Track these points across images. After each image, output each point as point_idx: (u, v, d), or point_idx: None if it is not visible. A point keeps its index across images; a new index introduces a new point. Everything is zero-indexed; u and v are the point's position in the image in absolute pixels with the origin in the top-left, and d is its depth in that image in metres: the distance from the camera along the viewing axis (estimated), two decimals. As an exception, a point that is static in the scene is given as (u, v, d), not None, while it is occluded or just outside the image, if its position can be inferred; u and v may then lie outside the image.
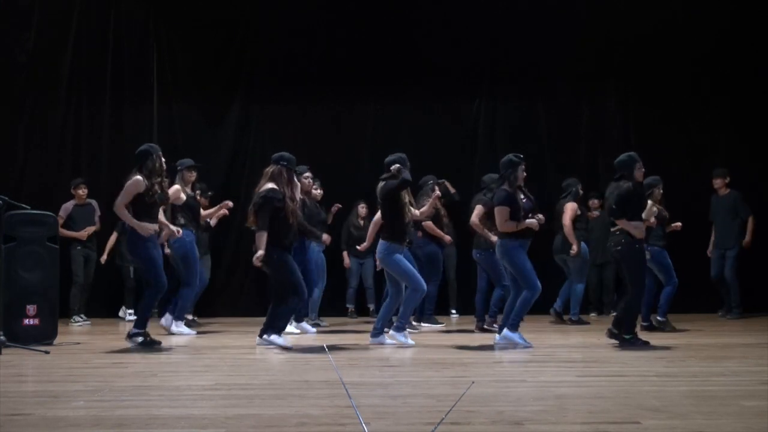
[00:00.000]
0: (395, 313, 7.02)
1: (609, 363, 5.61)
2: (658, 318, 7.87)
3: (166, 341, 6.89)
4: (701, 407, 3.75)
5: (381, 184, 6.79)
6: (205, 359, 6.05)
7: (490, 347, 6.61)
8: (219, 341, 7.31)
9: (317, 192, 8.48)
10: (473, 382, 4.41)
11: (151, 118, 10.83)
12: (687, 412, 3.62)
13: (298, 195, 6.72)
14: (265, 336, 6.53)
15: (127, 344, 6.50)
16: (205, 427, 3.41)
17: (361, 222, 10.08)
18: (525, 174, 6.74)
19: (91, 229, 9.54)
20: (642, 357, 5.89)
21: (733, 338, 7.19)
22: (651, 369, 5.21)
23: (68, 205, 9.52)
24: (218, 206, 8.44)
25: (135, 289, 9.99)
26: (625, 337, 6.46)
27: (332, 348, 6.48)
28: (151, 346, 6.50)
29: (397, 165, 6.64)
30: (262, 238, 6.32)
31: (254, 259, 6.33)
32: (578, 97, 11.03)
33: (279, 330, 6.59)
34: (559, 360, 5.79)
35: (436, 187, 8.01)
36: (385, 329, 6.89)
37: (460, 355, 6.12)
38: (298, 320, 8.08)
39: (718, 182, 9.58)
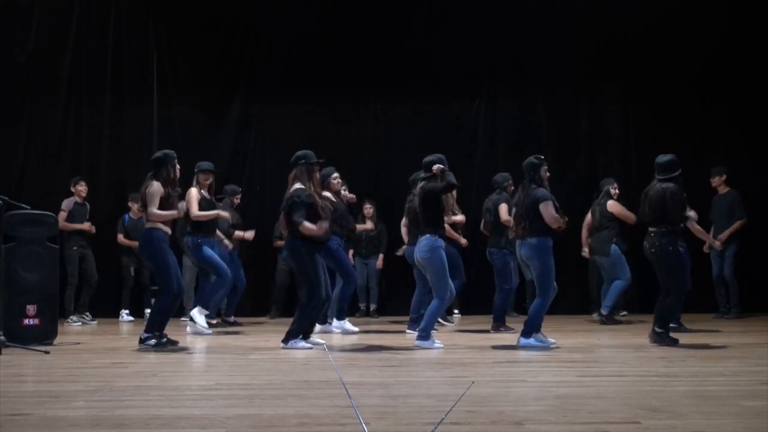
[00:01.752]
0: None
1: (609, 363, 5.61)
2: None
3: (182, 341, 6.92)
4: (701, 407, 3.75)
5: (421, 184, 6.74)
6: (205, 359, 6.05)
7: (490, 347, 6.62)
8: (219, 341, 7.31)
9: (345, 194, 8.52)
10: (473, 382, 4.41)
11: (151, 118, 10.83)
12: (687, 412, 3.62)
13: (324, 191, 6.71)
14: (289, 342, 6.51)
15: (140, 348, 6.46)
16: (205, 427, 3.41)
17: (367, 222, 10.10)
18: (548, 174, 6.75)
19: (93, 229, 9.54)
20: (642, 357, 5.89)
21: (733, 338, 7.18)
22: (651, 369, 5.21)
23: (70, 202, 9.52)
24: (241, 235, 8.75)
25: (134, 289, 10.03)
26: (656, 329, 6.51)
27: (332, 348, 6.48)
28: (165, 346, 6.51)
29: (440, 166, 6.59)
30: (308, 226, 6.33)
31: (319, 229, 6.36)
32: (578, 97, 11.03)
33: (300, 333, 6.57)
34: (559, 360, 5.78)
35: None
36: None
37: (460, 355, 6.12)
38: (325, 321, 8.16)
39: (715, 180, 9.58)
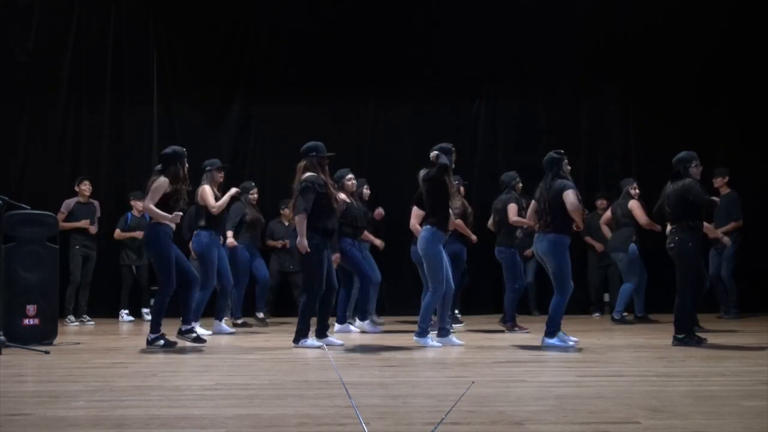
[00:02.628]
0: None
1: (609, 363, 5.61)
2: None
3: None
4: (701, 407, 3.75)
5: (422, 171, 6.71)
6: (205, 359, 6.04)
7: (490, 347, 6.61)
8: (219, 341, 7.31)
9: (366, 192, 8.48)
10: (473, 382, 4.41)
11: (151, 118, 10.84)
12: (687, 412, 3.62)
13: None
14: (300, 342, 6.54)
15: (148, 349, 6.45)
16: (205, 427, 3.41)
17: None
18: (570, 167, 6.68)
19: (93, 229, 9.54)
20: (642, 357, 5.89)
21: (733, 338, 7.19)
22: (651, 369, 5.21)
23: (70, 202, 9.54)
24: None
25: (134, 289, 10.03)
26: (677, 336, 6.49)
27: (332, 348, 6.48)
28: (173, 345, 6.52)
29: (435, 152, 6.56)
30: (303, 222, 6.31)
31: (298, 245, 6.31)
32: (578, 97, 11.03)
33: (308, 331, 6.57)
34: (559, 360, 5.78)
35: (462, 188, 7.98)
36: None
37: (460, 355, 6.12)
38: (342, 321, 8.16)
39: (718, 181, 9.57)
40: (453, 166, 6.66)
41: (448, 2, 10.93)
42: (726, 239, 8.87)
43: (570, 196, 6.40)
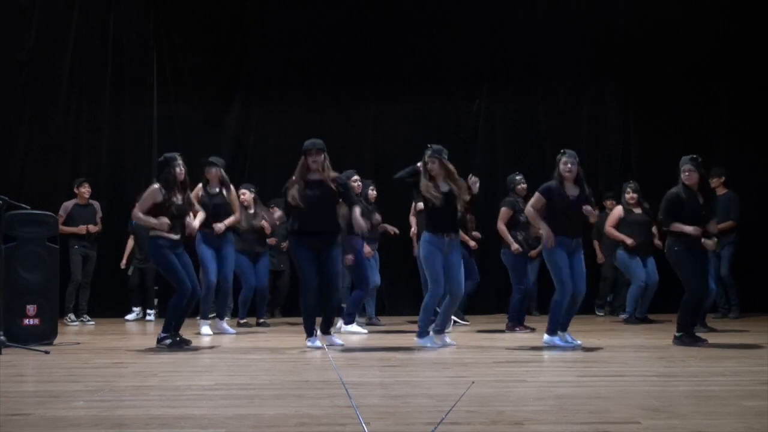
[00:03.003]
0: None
1: (609, 363, 5.61)
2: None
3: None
4: (701, 407, 3.75)
5: None
6: (205, 359, 6.05)
7: (489, 347, 6.61)
8: (220, 341, 7.31)
9: (372, 194, 8.44)
10: (473, 382, 4.41)
11: (151, 118, 10.84)
12: (687, 412, 3.62)
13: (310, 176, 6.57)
14: (307, 341, 6.55)
15: (157, 348, 6.46)
16: (205, 427, 3.41)
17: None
18: (569, 167, 6.46)
19: (93, 228, 9.52)
20: (642, 357, 5.89)
21: (733, 338, 7.18)
22: (651, 369, 5.21)
23: (68, 204, 9.53)
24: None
25: (139, 289, 10.03)
26: (676, 335, 6.51)
27: (332, 348, 6.48)
28: (180, 346, 6.50)
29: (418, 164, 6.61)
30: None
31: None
32: (578, 97, 11.03)
33: (311, 332, 6.56)
34: (559, 360, 5.79)
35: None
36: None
37: (460, 355, 6.11)
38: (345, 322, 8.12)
39: (714, 182, 9.54)
40: (442, 164, 6.58)
41: (448, 2, 10.93)
42: (710, 244, 8.56)
43: (531, 199, 6.56)
